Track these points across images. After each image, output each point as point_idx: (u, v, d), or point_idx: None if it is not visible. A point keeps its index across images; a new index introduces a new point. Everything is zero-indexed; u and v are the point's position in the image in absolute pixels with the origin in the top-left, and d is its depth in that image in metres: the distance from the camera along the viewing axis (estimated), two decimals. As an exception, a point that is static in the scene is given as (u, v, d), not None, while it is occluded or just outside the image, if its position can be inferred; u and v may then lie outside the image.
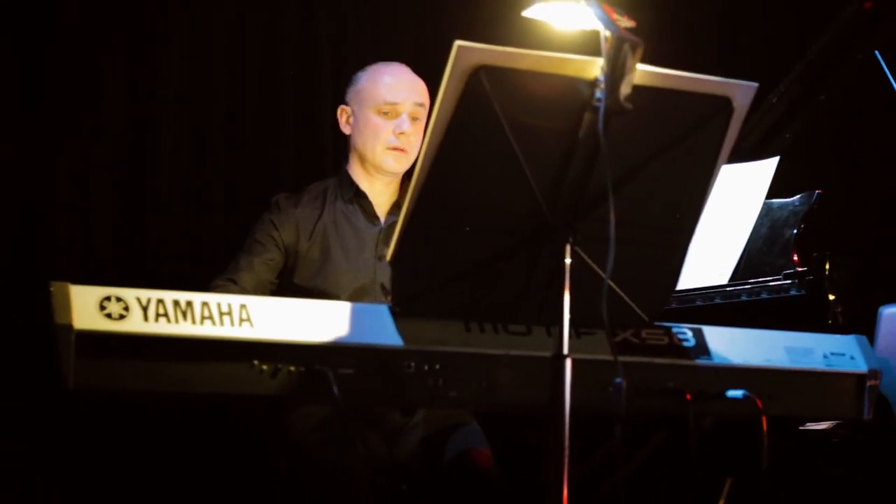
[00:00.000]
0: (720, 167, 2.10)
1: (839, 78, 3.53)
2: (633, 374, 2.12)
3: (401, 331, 2.06)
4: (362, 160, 3.14)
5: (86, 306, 1.88)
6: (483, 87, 1.90)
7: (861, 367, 2.39)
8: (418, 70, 3.17)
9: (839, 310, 2.90)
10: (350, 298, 2.98)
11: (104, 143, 3.66)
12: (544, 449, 1.96)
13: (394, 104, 3.09)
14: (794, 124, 3.63)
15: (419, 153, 2.01)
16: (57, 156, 3.58)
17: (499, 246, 2.06)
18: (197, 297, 1.96)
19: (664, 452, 2.79)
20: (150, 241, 3.72)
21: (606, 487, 2.80)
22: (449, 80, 1.90)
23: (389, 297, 2.67)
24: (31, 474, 3.43)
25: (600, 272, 1.96)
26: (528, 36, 3.06)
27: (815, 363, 2.35)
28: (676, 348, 2.24)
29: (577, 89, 1.93)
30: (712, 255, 3.27)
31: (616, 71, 1.87)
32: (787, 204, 3.24)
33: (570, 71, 1.93)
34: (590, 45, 1.98)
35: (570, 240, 2.00)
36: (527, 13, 2.63)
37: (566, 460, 1.94)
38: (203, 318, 1.95)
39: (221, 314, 1.97)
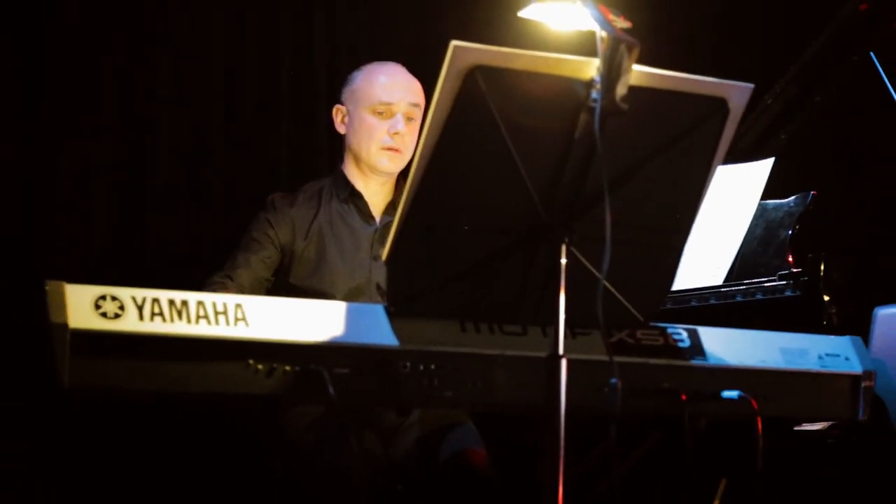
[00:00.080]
0: (716, 168, 2.11)
1: (835, 79, 3.54)
2: (629, 375, 2.12)
3: (396, 331, 2.06)
4: (357, 160, 3.14)
5: (81, 305, 1.87)
6: (479, 87, 1.90)
7: (856, 368, 2.40)
8: (414, 70, 3.17)
9: (834, 311, 2.91)
10: (345, 298, 2.98)
11: (103, 142, 3.66)
12: (540, 449, 1.96)
13: (389, 104, 3.09)
14: (789, 125, 3.63)
15: (414, 153, 2.01)
16: (56, 155, 3.58)
17: (494, 246, 2.06)
18: (192, 297, 1.96)
19: (659, 453, 2.79)
20: (149, 241, 3.71)
21: (602, 488, 2.80)
22: (445, 79, 1.90)
23: (385, 297, 2.67)
24: (30, 474, 3.43)
25: (596, 272, 1.96)
26: (524, 36, 3.06)
27: (810, 364, 2.36)
28: (672, 349, 2.25)
29: (573, 90, 1.93)
30: (707, 255, 3.27)
31: (612, 71, 1.88)
32: (782, 205, 3.24)
33: (566, 71, 1.93)
34: (586, 46, 1.98)
35: (566, 240, 2.00)
36: (523, 13, 2.63)
37: (561, 460, 1.94)
38: (198, 317, 1.95)
39: (217, 314, 1.97)
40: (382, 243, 3.01)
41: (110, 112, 3.67)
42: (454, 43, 1.88)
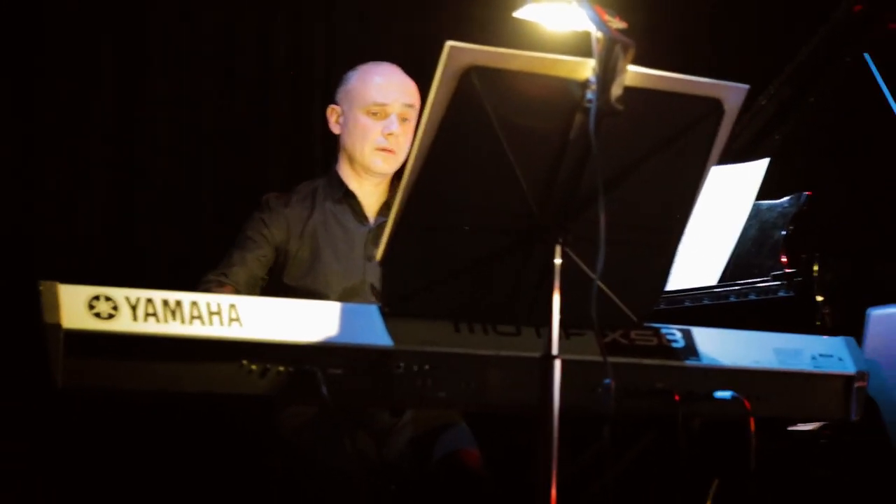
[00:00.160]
0: (710, 169, 2.11)
1: (829, 80, 3.54)
2: (622, 375, 2.12)
3: (390, 331, 2.06)
4: (351, 160, 3.13)
5: (75, 306, 1.87)
6: (474, 87, 1.90)
7: (849, 368, 2.40)
8: (410, 70, 3.16)
9: (827, 311, 2.91)
10: (339, 299, 2.98)
11: (97, 143, 3.65)
12: (533, 449, 1.96)
13: (383, 105, 3.08)
14: (783, 126, 3.63)
15: (409, 153, 2.01)
16: (50, 156, 3.58)
17: (489, 246, 2.06)
18: (186, 297, 1.96)
19: (653, 453, 2.80)
20: (143, 242, 3.71)
21: (595, 488, 2.80)
22: (440, 80, 1.90)
23: (379, 298, 2.67)
24: (30, 474, 3.43)
25: (590, 273, 1.96)
26: (519, 37, 3.06)
27: (804, 364, 2.36)
28: (665, 349, 2.25)
29: (569, 90, 1.93)
30: (701, 256, 3.27)
31: (607, 72, 1.88)
32: (776, 205, 3.24)
33: (561, 72, 1.93)
34: (581, 47, 1.98)
35: (560, 240, 2.00)
36: (518, 14, 2.63)
37: (555, 461, 1.94)
38: (192, 317, 1.95)
39: (210, 314, 1.96)
40: (376, 244, 3.00)
41: (104, 113, 3.67)
42: (450, 43, 1.88)
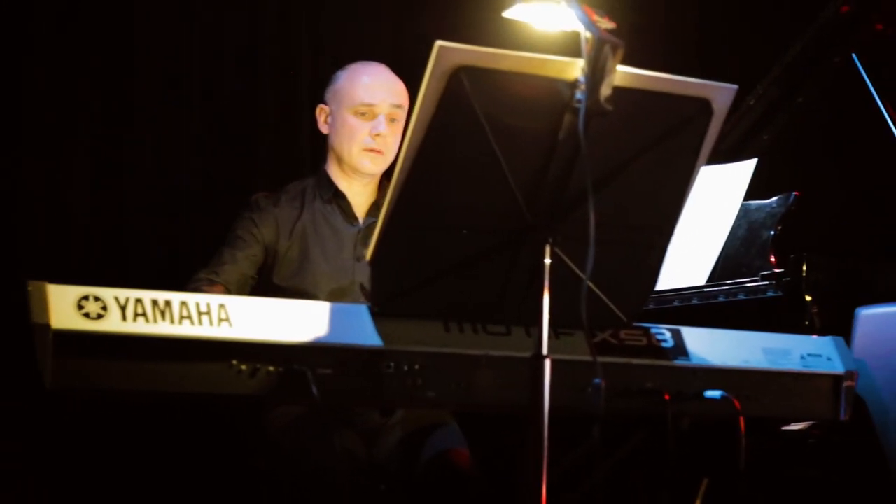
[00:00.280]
0: (699, 169, 2.11)
1: (816, 81, 3.55)
2: (612, 375, 2.12)
3: (380, 331, 2.06)
4: (340, 160, 3.13)
5: (63, 306, 1.87)
6: (463, 87, 1.90)
7: (838, 368, 2.41)
8: (398, 70, 3.16)
9: (816, 311, 2.92)
10: (329, 299, 2.98)
11: (85, 143, 3.64)
12: (523, 449, 1.96)
13: (371, 105, 3.08)
14: (771, 126, 3.64)
15: (398, 154, 2.01)
16: (38, 156, 3.57)
17: (478, 246, 2.06)
18: (175, 297, 1.96)
19: (642, 453, 2.80)
20: (132, 241, 3.70)
21: (585, 488, 2.80)
22: (429, 80, 1.90)
23: (368, 298, 2.67)
24: (24, 474, 3.42)
25: (579, 273, 1.97)
26: (508, 36, 3.06)
27: (793, 364, 2.37)
28: (655, 349, 2.25)
29: (558, 90, 1.94)
30: (690, 256, 3.28)
31: (596, 72, 1.88)
32: (764, 205, 3.25)
33: (550, 72, 1.94)
34: (570, 47, 1.98)
35: (550, 240, 2.01)
36: (507, 14, 2.63)
37: (544, 460, 1.94)
38: (182, 317, 1.95)
39: (200, 314, 1.96)
40: (366, 244, 3.00)
41: (92, 113, 3.66)
42: (439, 43, 1.88)
